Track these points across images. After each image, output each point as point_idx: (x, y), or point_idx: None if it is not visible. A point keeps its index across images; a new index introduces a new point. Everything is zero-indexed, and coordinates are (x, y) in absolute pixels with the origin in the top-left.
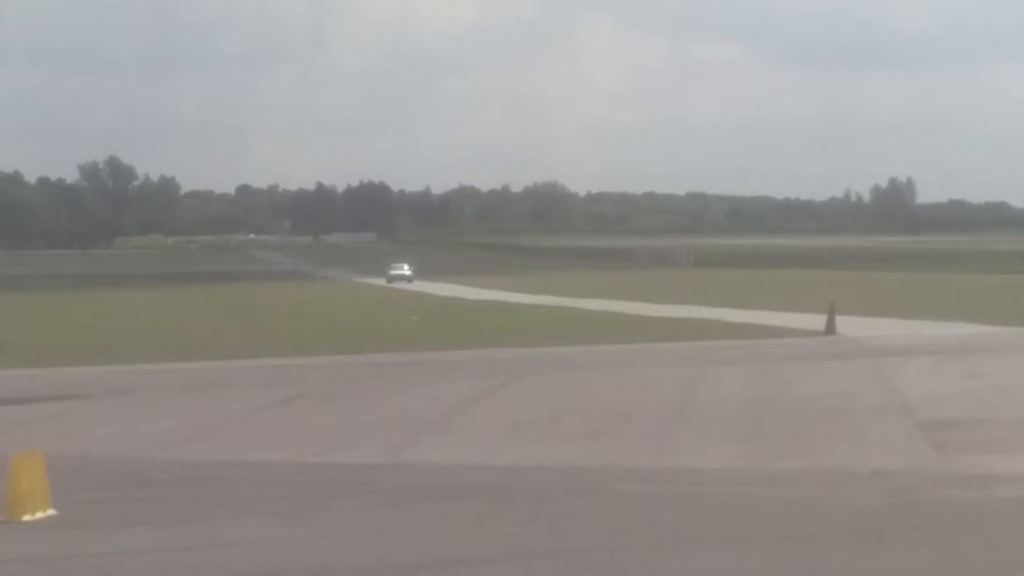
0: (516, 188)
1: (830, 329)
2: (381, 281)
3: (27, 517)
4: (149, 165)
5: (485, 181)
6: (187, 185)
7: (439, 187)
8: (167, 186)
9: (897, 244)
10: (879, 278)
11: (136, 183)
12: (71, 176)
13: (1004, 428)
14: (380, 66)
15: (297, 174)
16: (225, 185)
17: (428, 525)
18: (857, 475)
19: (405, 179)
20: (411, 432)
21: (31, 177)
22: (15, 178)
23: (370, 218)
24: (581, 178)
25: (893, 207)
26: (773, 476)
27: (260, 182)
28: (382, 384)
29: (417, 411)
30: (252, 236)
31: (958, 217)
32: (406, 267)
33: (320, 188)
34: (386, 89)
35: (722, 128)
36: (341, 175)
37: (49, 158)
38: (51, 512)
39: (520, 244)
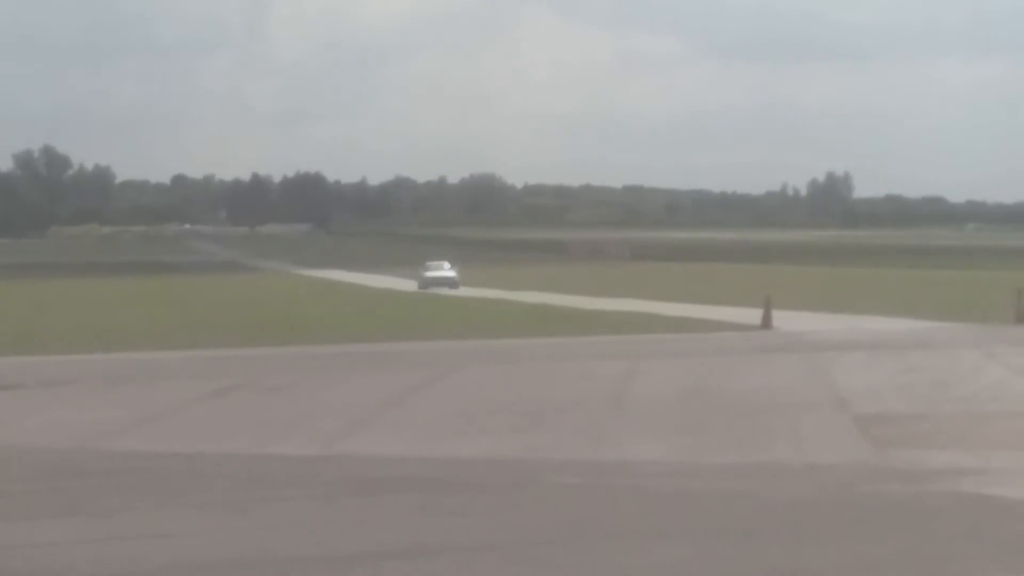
0: (453, 180)
1: (766, 323)
2: (319, 273)
3: None
4: (84, 154)
5: (422, 172)
6: (122, 174)
7: (375, 178)
8: (102, 175)
9: (834, 238)
10: (816, 272)
11: (71, 172)
12: (5, 165)
13: (940, 423)
14: (317, 56)
15: (233, 164)
16: (161, 175)
17: (364, 517)
18: (794, 469)
19: (341, 170)
20: (348, 424)
21: None
22: None
23: (306, 209)
24: (518, 170)
25: (830, 201)
26: (710, 470)
27: (196, 172)
28: (319, 375)
29: (354, 402)
30: (188, 226)
31: (895, 212)
32: (447, 267)
33: (256, 179)
34: (323, 79)
35: (660, 121)
36: (277, 166)
37: None
38: None
39: (457, 236)
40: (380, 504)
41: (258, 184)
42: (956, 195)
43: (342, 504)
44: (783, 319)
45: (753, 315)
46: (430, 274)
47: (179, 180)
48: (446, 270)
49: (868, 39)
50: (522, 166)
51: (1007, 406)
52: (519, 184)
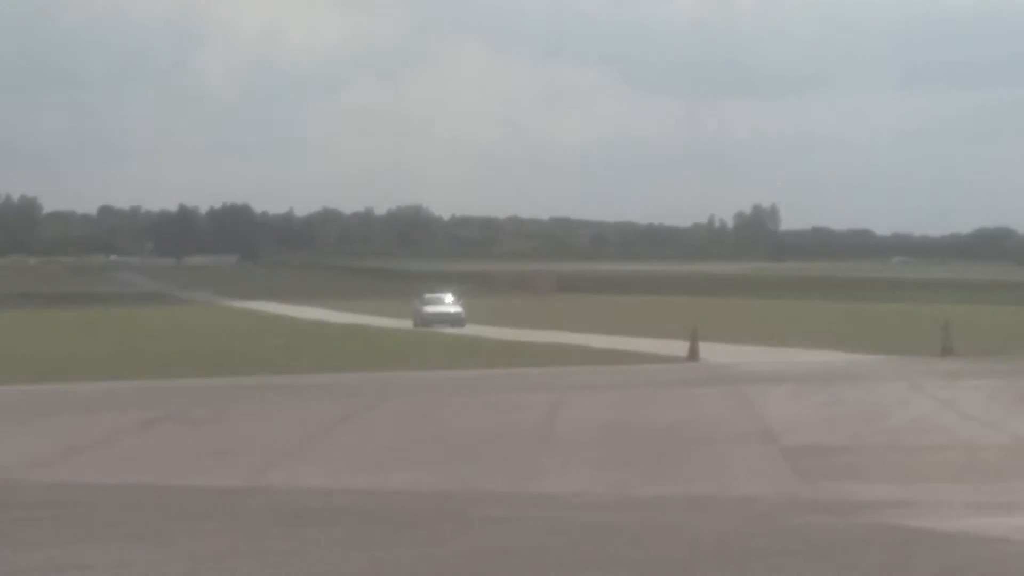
0: (380, 211)
1: (693, 355)
2: (246, 305)
3: None
4: (10, 185)
5: (349, 204)
6: (49, 206)
7: (302, 209)
8: (28, 206)
9: (761, 271)
10: (742, 305)
11: None
12: None
13: (867, 455)
14: (244, 88)
15: (160, 196)
16: (87, 206)
17: (289, 549)
18: (720, 501)
19: (268, 201)
20: (273, 456)
21: None
22: None
23: (233, 240)
24: (445, 201)
25: (757, 234)
26: (637, 502)
27: (122, 203)
28: (244, 407)
29: (279, 435)
30: (114, 257)
31: (821, 244)
32: (449, 300)
33: (183, 210)
34: (250, 111)
35: (586, 153)
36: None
37: None
38: None
39: (384, 268)
40: (306, 536)
41: (185, 215)
42: (882, 228)
43: (268, 536)
44: (710, 351)
45: (680, 347)
46: (430, 309)
47: (105, 211)
48: (448, 304)
49: (794, 72)
50: (449, 198)
51: (933, 439)
52: (446, 216)
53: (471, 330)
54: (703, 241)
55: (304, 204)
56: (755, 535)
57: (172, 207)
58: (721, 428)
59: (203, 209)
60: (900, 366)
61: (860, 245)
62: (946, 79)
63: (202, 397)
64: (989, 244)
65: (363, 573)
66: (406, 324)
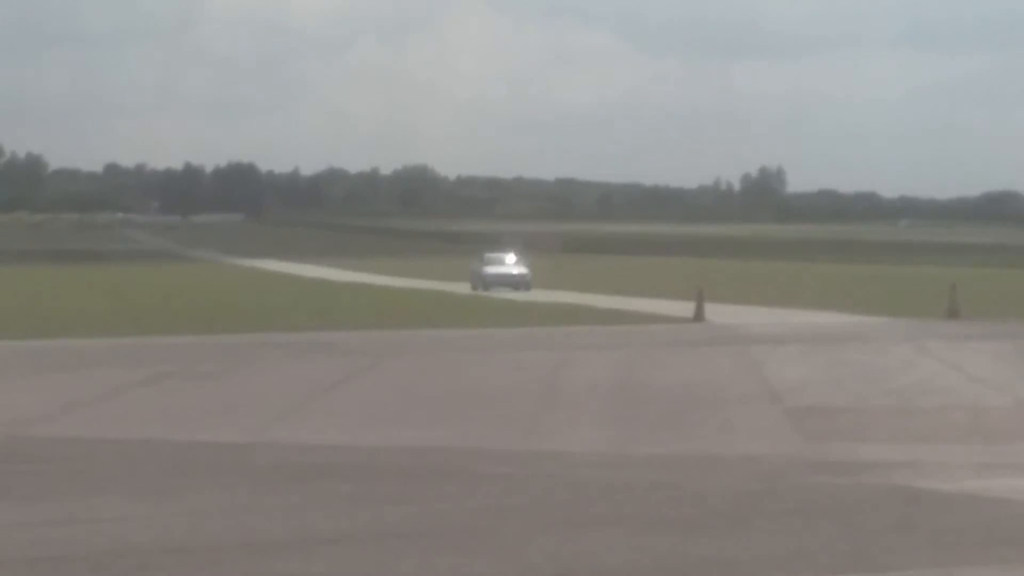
0: (385, 171)
1: (699, 316)
2: (252, 263)
3: None
4: (15, 142)
5: (354, 163)
6: (54, 163)
7: (308, 169)
8: (33, 163)
9: (767, 232)
10: (749, 266)
11: (1, 160)
12: None
13: (871, 416)
14: (249, 46)
15: (165, 154)
16: (93, 163)
17: (294, 504)
18: (725, 461)
19: (274, 160)
20: (279, 412)
21: None
22: None
23: (238, 199)
24: (450, 162)
25: (763, 196)
26: (641, 461)
27: (128, 161)
28: (250, 364)
29: (285, 391)
30: (120, 215)
31: (828, 207)
32: (512, 260)
33: (188, 168)
34: (255, 69)
35: (592, 114)
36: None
37: None
38: None
39: (389, 227)
40: (311, 491)
41: (190, 174)
42: (889, 191)
43: (273, 491)
44: (716, 312)
45: (686, 308)
46: (491, 270)
47: (111, 169)
48: (512, 265)
49: (803, 33)
50: (454, 158)
51: (938, 400)
52: (451, 176)
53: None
54: (709, 203)
55: (310, 163)
56: (760, 494)
57: (178, 165)
58: (726, 388)
59: (208, 167)
60: (906, 328)
61: (867, 207)
62: (954, 42)
63: (208, 354)
64: (996, 207)
65: (369, 528)
66: (414, 283)
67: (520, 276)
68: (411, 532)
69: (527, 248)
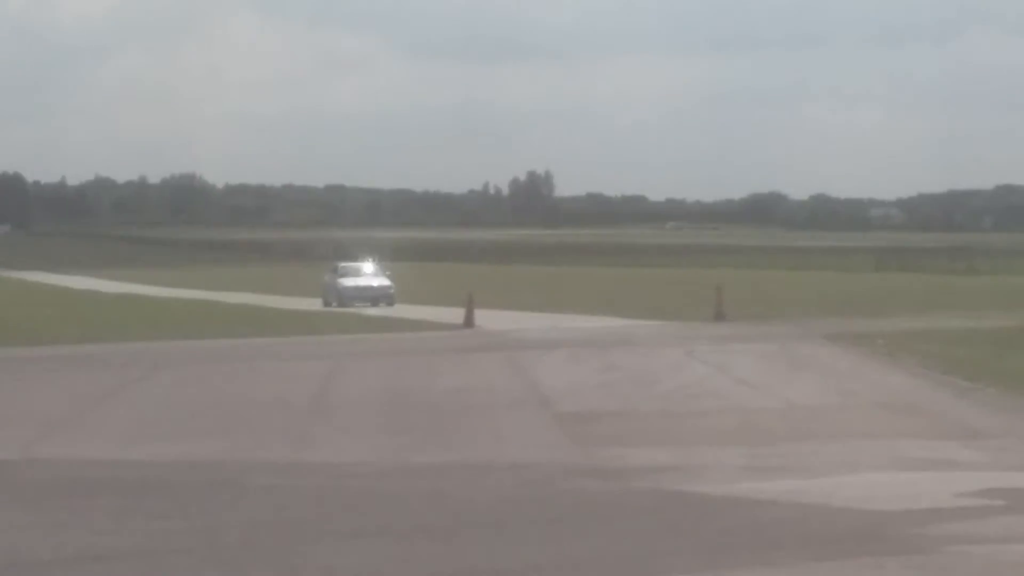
0: (154, 179)
1: (468, 322)
2: (19, 275)
3: None
4: None
5: (122, 172)
6: None
7: (75, 178)
8: None
9: (536, 237)
10: (518, 271)
11: None
12: None
13: (640, 420)
14: (11, 55)
15: None
16: None
17: (61, 521)
18: (495, 467)
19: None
20: (44, 427)
21: None
22: None
23: (5, 210)
24: (219, 170)
25: (532, 200)
26: (412, 469)
27: None
28: (14, 378)
29: (51, 405)
30: None
31: (597, 210)
32: (371, 270)
33: None
34: (18, 79)
35: (360, 120)
36: None
37: None
38: None
39: (158, 237)
40: (77, 507)
41: None
42: (656, 194)
43: (38, 508)
44: (486, 318)
45: (456, 314)
46: (349, 283)
47: None
48: (371, 276)
49: (567, 38)
50: (223, 166)
51: (706, 403)
52: (220, 184)
53: (246, 299)
54: (479, 208)
55: (76, 173)
56: (529, 501)
57: None
58: (496, 395)
59: None
60: (674, 331)
61: (635, 211)
62: (718, 44)
63: None
64: (761, 209)
65: (139, 543)
66: (182, 293)
67: (382, 289)
68: (180, 547)
69: (297, 255)
